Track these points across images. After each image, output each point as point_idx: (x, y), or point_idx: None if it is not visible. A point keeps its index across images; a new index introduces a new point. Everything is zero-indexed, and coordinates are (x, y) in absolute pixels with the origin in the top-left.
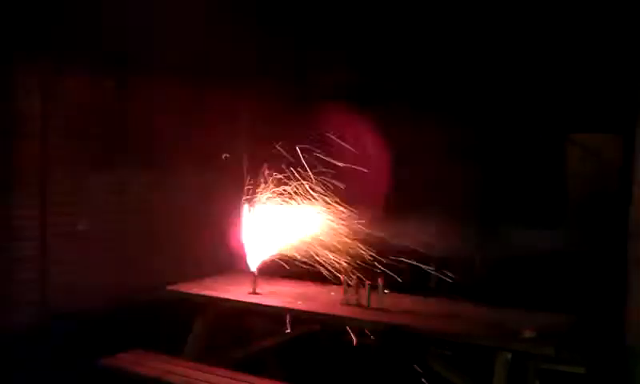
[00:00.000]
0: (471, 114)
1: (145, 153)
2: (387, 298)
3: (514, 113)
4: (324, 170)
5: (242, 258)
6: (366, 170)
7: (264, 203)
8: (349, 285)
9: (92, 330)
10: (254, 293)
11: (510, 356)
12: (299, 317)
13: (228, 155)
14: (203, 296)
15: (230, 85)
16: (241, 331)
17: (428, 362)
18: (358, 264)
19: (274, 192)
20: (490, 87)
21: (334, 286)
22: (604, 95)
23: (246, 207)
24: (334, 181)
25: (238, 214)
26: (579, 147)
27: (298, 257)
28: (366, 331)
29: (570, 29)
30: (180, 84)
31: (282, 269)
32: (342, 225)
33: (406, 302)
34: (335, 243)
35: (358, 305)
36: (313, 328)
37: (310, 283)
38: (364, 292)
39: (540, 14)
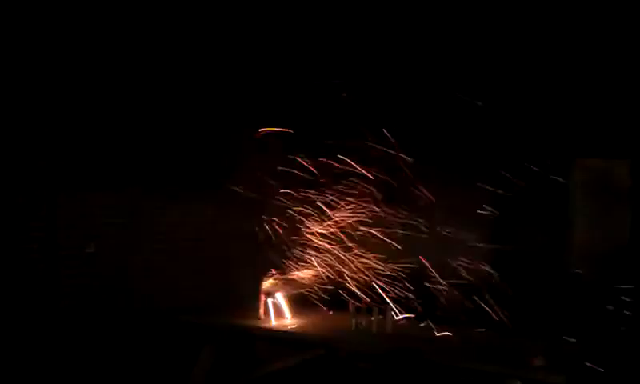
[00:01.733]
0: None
1: None
2: (397, 324)
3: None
4: None
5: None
6: None
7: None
8: (358, 309)
9: None
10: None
11: (519, 382)
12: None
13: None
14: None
15: None
16: (246, 356)
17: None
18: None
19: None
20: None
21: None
22: (611, 119)
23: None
24: None
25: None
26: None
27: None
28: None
29: (574, 49)
30: None
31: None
32: None
33: (416, 328)
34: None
35: (368, 329)
36: (317, 352)
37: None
38: (374, 317)
39: (545, 34)
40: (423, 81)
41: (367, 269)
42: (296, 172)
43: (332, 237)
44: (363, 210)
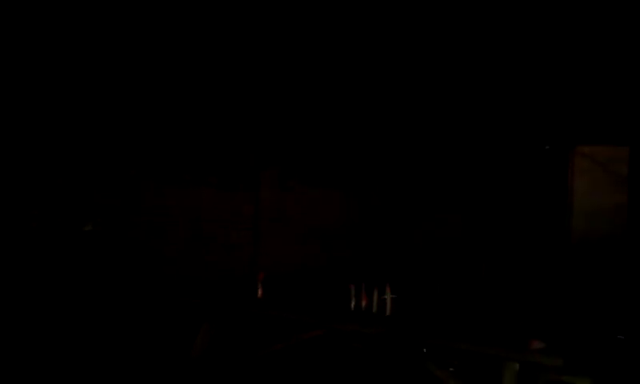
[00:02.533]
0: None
1: None
2: (395, 305)
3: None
4: None
5: None
6: None
7: None
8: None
9: None
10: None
11: (518, 366)
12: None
13: None
14: None
15: None
16: (247, 336)
17: (430, 370)
18: None
19: None
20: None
21: None
22: (610, 106)
23: None
24: None
25: None
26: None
27: None
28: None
29: (573, 37)
30: None
31: None
32: None
33: (415, 309)
34: None
35: (367, 311)
36: (317, 333)
37: None
38: (373, 298)
39: (545, 21)
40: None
41: None
42: None
43: None
44: None
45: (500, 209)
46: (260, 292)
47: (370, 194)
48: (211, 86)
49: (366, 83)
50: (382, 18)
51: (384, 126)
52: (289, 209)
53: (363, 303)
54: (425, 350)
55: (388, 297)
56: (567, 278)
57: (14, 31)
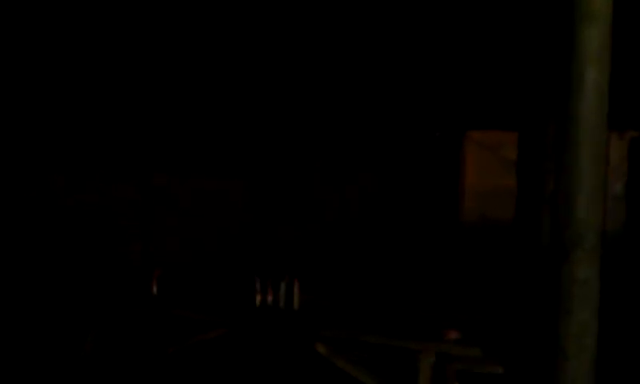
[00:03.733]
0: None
1: None
2: (306, 300)
3: (411, 112)
4: None
5: None
6: None
7: None
8: (261, 287)
9: None
10: None
11: (434, 359)
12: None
13: None
14: None
15: None
16: (141, 338)
17: (340, 366)
18: None
19: None
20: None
21: None
22: (499, 93)
23: None
24: None
25: None
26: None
27: None
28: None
29: (462, 25)
30: None
31: None
32: None
33: (327, 303)
34: None
35: (275, 307)
36: (220, 332)
37: None
38: (279, 293)
39: (435, 7)
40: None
41: None
42: None
43: None
44: None
45: (395, 193)
46: (155, 288)
47: (266, 182)
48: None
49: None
50: None
51: (271, 116)
52: (183, 199)
53: (269, 298)
54: (334, 344)
55: (296, 291)
56: (458, 260)
57: None
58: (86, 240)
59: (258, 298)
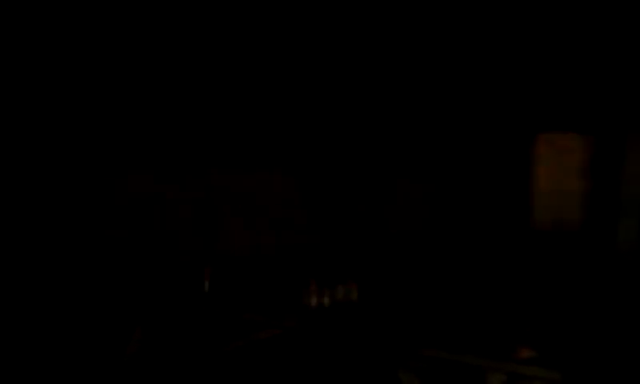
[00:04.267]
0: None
1: None
2: (361, 304)
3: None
4: None
5: None
6: None
7: None
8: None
9: None
10: None
11: (505, 378)
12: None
13: None
14: None
15: None
16: (191, 336)
17: (399, 376)
18: None
19: None
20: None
21: None
22: (574, 95)
23: None
24: None
25: None
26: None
27: None
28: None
29: (539, 24)
30: None
31: None
32: None
33: (384, 309)
34: None
35: (330, 309)
36: (273, 332)
37: None
38: (336, 295)
39: (510, 6)
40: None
41: None
42: None
43: None
44: None
45: (462, 197)
46: (207, 286)
47: (326, 179)
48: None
49: (313, 54)
50: None
51: (339, 109)
52: (240, 194)
53: (326, 300)
54: (396, 356)
55: (353, 294)
56: (530, 268)
57: None
58: (140, 235)
59: (314, 300)
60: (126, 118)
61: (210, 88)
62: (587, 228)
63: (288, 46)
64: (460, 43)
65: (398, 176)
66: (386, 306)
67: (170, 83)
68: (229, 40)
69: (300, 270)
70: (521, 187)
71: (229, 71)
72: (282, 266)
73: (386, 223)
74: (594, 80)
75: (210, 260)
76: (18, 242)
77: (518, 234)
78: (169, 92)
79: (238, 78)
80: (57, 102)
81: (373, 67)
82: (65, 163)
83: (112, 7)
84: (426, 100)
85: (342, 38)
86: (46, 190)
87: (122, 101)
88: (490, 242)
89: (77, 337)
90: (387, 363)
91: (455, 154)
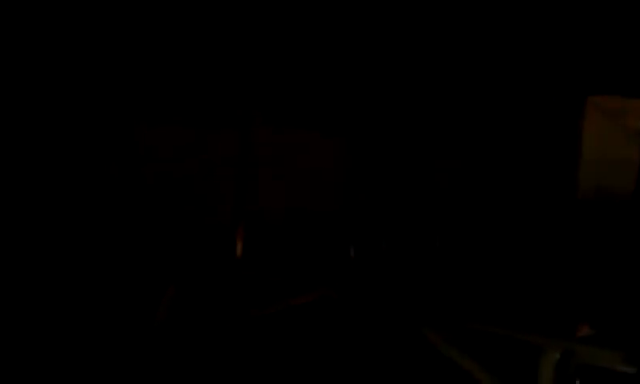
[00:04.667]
0: None
1: None
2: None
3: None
4: None
5: None
6: None
7: None
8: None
9: None
10: None
11: (558, 357)
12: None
13: None
14: None
15: None
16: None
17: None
18: None
19: None
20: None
21: None
22: (625, 56)
23: None
24: None
25: None
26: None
27: None
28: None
29: None
30: None
31: None
32: None
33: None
34: None
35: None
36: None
37: None
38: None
39: None
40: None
41: None
42: None
43: None
44: None
45: (505, 161)
46: (240, 250)
47: (366, 140)
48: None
49: (362, 20)
50: None
51: (384, 67)
52: (277, 152)
53: (365, 267)
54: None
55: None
56: (576, 239)
57: None
58: (172, 193)
59: (353, 266)
60: (156, 62)
61: (253, 33)
62: (636, 197)
63: None
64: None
65: (444, 141)
66: (428, 276)
67: (207, 25)
68: None
69: (336, 236)
70: (567, 155)
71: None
72: (319, 231)
73: (429, 192)
74: None
75: (244, 221)
76: (39, 200)
77: (564, 205)
78: (206, 34)
79: (284, 25)
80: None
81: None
82: (88, 113)
83: None
84: (470, 65)
85: None
86: (71, 145)
87: (157, 42)
88: (536, 213)
89: (102, 300)
90: (427, 334)
91: (501, 117)
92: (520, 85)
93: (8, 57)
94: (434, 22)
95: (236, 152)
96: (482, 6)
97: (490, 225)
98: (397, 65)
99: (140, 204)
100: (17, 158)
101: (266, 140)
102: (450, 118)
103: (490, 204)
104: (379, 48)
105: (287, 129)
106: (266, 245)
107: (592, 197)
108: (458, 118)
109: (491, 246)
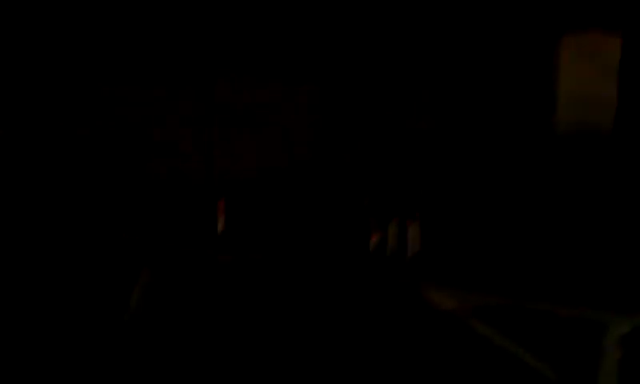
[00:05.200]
0: None
1: None
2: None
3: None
4: None
5: None
6: None
7: None
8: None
9: None
10: None
11: (626, 331)
12: None
13: None
14: None
15: None
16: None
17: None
18: None
19: None
20: None
21: None
22: None
23: None
24: None
25: None
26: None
27: None
28: None
29: None
30: None
31: None
32: None
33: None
34: None
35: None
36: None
37: None
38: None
39: None
40: None
41: None
42: None
43: None
44: None
45: (483, 102)
46: (221, 224)
47: (341, 89)
48: None
49: None
50: None
51: (360, 10)
52: (247, 107)
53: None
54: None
55: (414, 231)
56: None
57: None
58: (141, 157)
59: (374, 240)
60: (120, 20)
61: None
62: (616, 132)
63: None
64: None
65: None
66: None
67: None
68: None
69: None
70: (544, 91)
71: None
72: (295, 188)
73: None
74: None
75: (222, 191)
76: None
77: (544, 141)
78: None
79: None
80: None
81: None
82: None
83: None
84: (446, 8)
85: None
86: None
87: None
88: (516, 153)
89: (74, 285)
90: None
91: (475, 63)
92: (495, 25)
93: None
94: None
95: (205, 111)
96: None
97: (470, 169)
98: (373, 8)
99: (106, 173)
100: None
101: (232, 95)
102: (427, 60)
103: (469, 147)
104: None
105: (256, 81)
106: (250, 215)
107: (572, 133)
108: (435, 60)
109: (473, 193)
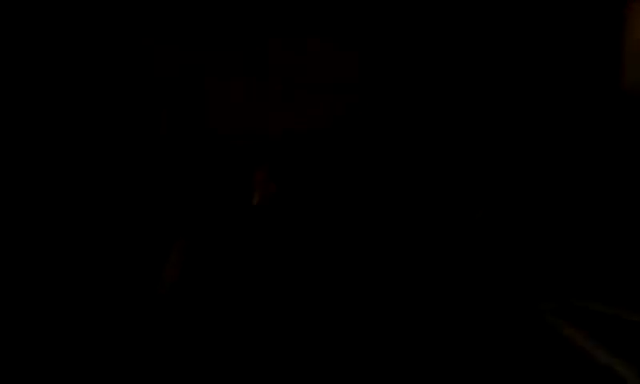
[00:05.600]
0: None
1: None
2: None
3: None
4: None
5: None
6: None
7: None
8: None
9: None
10: None
11: None
12: None
13: None
14: None
15: None
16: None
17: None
18: None
19: None
20: None
21: None
22: None
23: None
24: None
25: None
26: None
27: None
28: None
29: None
30: None
31: None
32: None
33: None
34: None
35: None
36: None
37: None
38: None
39: None
40: None
41: None
42: None
43: None
44: None
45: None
46: (257, 197)
47: (383, 55)
48: None
49: None
50: None
51: None
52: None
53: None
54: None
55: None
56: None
57: None
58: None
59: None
60: None
61: None
62: None
63: None
64: None
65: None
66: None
67: None
68: None
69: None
70: (611, 49)
71: None
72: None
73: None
74: None
75: (260, 161)
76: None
77: (608, 96)
78: None
79: None
80: None
81: None
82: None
83: None
84: None
85: None
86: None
87: None
88: (578, 108)
89: (94, 264)
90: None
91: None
92: None
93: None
94: None
95: (246, 71)
96: None
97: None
98: None
99: (136, 140)
100: None
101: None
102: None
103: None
104: None
105: (297, 40)
106: (286, 188)
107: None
108: (496, 15)
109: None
